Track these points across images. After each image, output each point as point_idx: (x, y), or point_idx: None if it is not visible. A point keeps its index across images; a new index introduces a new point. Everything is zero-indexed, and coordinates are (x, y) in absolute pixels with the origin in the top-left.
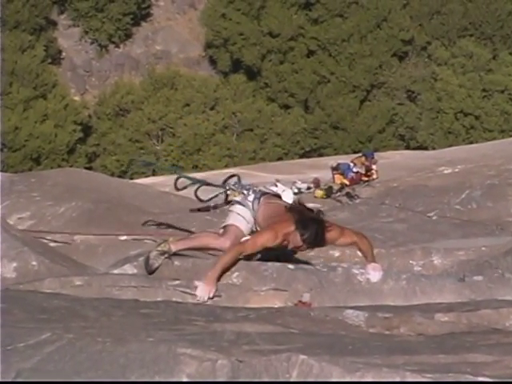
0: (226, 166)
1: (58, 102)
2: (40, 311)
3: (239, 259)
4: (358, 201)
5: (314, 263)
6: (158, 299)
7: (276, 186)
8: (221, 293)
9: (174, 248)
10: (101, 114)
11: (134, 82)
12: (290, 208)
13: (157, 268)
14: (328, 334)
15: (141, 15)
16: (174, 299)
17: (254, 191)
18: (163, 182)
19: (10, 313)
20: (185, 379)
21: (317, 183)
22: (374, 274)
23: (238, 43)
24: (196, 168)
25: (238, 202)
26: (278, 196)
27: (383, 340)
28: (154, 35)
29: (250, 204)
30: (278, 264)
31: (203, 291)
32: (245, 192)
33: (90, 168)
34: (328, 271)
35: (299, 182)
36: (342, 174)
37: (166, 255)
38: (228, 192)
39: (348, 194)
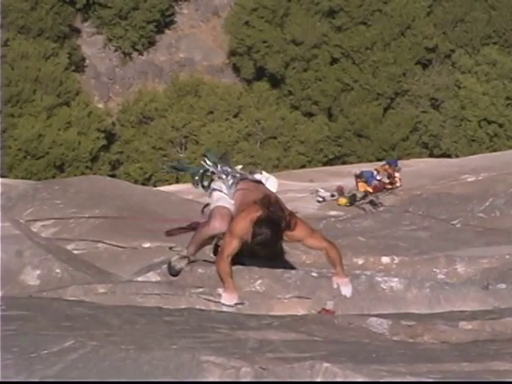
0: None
1: (81, 110)
2: (63, 319)
3: (234, 261)
4: (381, 208)
5: None
6: (182, 307)
7: (261, 173)
8: (244, 300)
9: (192, 251)
10: (124, 121)
11: (158, 90)
12: (262, 200)
13: (180, 269)
14: (352, 342)
15: (164, 23)
16: (197, 307)
17: (234, 176)
18: (187, 189)
19: (33, 320)
20: None
21: (340, 191)
22: (344, 289)
23: (262, 51)
24: None
25: (215, 189)
26: (260, 182)
27: (407, 348)
28: (178, 43)
29: (228, 189)
30: (301, 272)
31: (227, 298)
32: (223, 177)
33: (113, 175)
34: (352, 279)
35: (322, 191)
36: (365, 182)
37: (187, 260)
38: (207, 173)
39: (371, 202)
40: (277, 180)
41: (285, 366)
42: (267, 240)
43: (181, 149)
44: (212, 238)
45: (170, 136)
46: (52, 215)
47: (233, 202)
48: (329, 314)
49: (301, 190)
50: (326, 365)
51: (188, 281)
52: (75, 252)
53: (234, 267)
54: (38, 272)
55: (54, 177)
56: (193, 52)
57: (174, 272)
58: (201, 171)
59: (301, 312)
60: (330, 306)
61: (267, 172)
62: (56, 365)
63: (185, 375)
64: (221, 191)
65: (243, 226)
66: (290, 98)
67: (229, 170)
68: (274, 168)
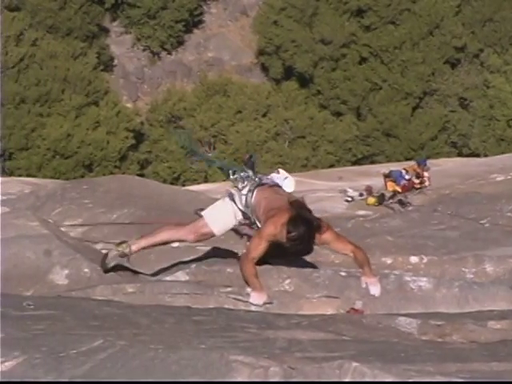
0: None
1: (110, 109)
2: (92, 318)
3: (258, 262)
4: (410, 208)
5: None
6: (210, 306)
7: (278, 172)
8: (273, 300)
9: (134, 248)
10: (153, 120)
11: (186, 89)
12: (290, 202)
13: (112, 268)
14: (380, 342)
15: (193, 22)
16: (226, 306)
17: (251, 183)
18: (216, 188)
19: (62, 320)
20: None
21: (369, 190)
22: (372, 288)
23: (290, 50)
24: None
25: (229, 196)
26: (277, 185)
27: (436, 347)
28: (206, 42)
29: (243, 198)
30: (330, 271)
31: (256, 298)
32: (240, 186)
33: (142, 175)
34: (380, 278)
35: (350, 191)
36: (394, 181)
37: (126, 258)
38: (231, 177)
39: (400, 201)
40: (293, 179)
41: (313, 365)
42: (302, 236)
43: (209, 148)
44: (172, 242)
45: (198, 135)
46: (80, 215)
47: (240, 213)
48: (357, 313)
49: (329, 190)
50: (354, 364)
51: (217, 280)
52: (104, 252)
53: (263, 267)
54: (67, 271)
55: (82, 176)
56: (221, 51)
57: (105, 269)
58: (231, 171)
59: (329, 311)
60: (358, 305)
61: (292, 172)
62: (85, 364)
63: (213, 375)
64: (233, 200)
65: (273, 230)
66: (318, 98)
67: (247, 175)
68: (303, 167)
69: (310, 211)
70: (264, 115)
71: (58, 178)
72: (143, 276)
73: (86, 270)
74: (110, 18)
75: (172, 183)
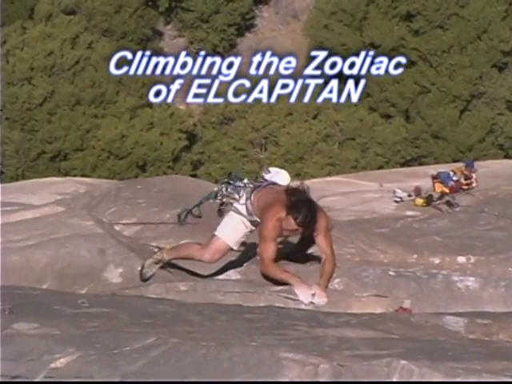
0: (329, 175)
1: (163, 111)
2: (145, 316)
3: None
4: (457, 209)
5: (414, 270)
6: (261, 304)
7: (269, 171)
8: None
9: (166, 257)
10: (205, 122)
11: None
12: (285, 190)
13: (150, 277)
14: (428, 340)
15: (245, 26)
16: (276, 304)
17: (246, 191)
18: None
19: (116, 317)
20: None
21: (417, 191)
22: (318, 300)
23: (341, 54)
24: (299, 176)
25: (233, 210)
26: (273, 183)
27: (482, 346)
28: (258, 45)
29: (244, 207)
30: (379, 271)
31: (302, 293)
32: (236, 196)
33: (194, 175)
34: (428, 278)
35: (399, 191)
36: (442, 183)
37: (161, 264)
38: (223, 199)
39: (448, 202)
40: (285, 172)
41: (362, 363)
42: (309, 213)
43: (260, 149)
44: (193, 259)
45: (250, 137)
46: (134, 214)
47: (248, 221)
48: (406, 312)
49: (378, 191)
50: (402, 362)
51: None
52: (155, 250)
53: (313, 266)
54: (121, 270)
55: (136, 176)
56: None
57: (143, 279)
58: (212, 195)
59: (378, 310)
60: (406, 304)
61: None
62: (138, 361)
63: (264, 372)
64: (237, 212)
65: (272, 226)
66: (368, 100)
67: (240, 184)
68: (352, 169)
69: (306, 193)
70: (314, 117)
71: (112, 178)
72: (196, 274)
73: (140, 268)
74: (164, 21)
75: None
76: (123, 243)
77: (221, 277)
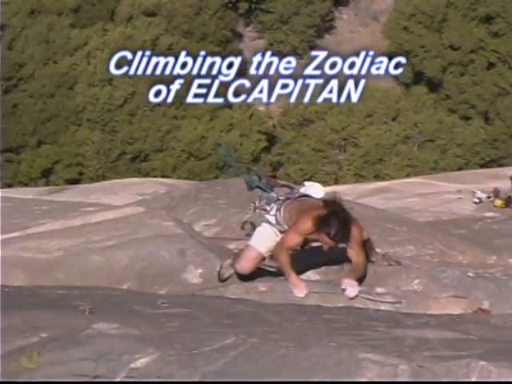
0: (408, 176)
1: (243, 112)
2: (225, 316)
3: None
4: None
5: (493, 271)
6: (340, 305)
7: (304, 185)
8: (402, 299)
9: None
10: (285, 123)
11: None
12: (323, 200)
13: (228, 277)
14: (507, 341)
15: (324, 27)
16: (355, 305)
17: (277, 203)
18: (345, 190)
19: (195, 317)
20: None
21: (496, 193)
22: (349, 289)
23: (420, 55)
24: (378, 177)
25: (263, 220)
26: (306, 196)
27: None
28: (338, 47)
29: (273, 218)
30: (457, 272)
31: (298, 291)
32: (268, 208)
33: (274, 176)
34: (507, 279)
35: (479, 192)
36: None
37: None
38: (256, 209)
39: None
40: (320, 186)
41: (441, 364)
42: (339, 228)
43: (340, 151)
44: None
45: (329, 138)
46: (214, 215)
47: (278, 232)
48: (485, 313)
49: (456, 192)
50: (481, 363)
51: None
52: (235, 251)
53: (392, 268)
54: (201, 271)
55: (216, 177)
56: None
57: (221, 279)
58: (251, 182)
59: (457, 311)
60: (485, 305)
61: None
62: (217, 361)
63: (343, 372)
64: (267, 222)
65: (310, 226)
66: (447, 102)
67: (272, 196)
68: (432, 170)
69: (342, 206)
70: (394, 119)
71: (192, 179)
72: (275, 275)
73: (218, 269)
74: (244, 23)
75: None
76: (203, 244)
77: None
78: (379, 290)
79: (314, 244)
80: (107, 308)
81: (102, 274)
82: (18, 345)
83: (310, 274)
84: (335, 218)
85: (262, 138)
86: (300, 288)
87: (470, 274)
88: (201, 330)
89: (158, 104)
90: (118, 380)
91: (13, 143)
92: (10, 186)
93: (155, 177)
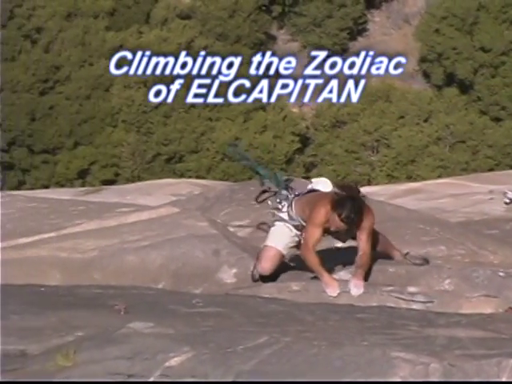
0: (439, 177)
1: (276, 114)
2: (258, 315)
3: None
4: None
5: None
6: (373, 304)
7: (311, 182)
8: (433, 299)
9: None
10: (318, 125)
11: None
12: (326, 194)
13: (259, 279)
14: None
15: (357, 30)
16: (388, 304)
17: (288, 200)
18: (378, 191)
19: (229, 317)
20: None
21: None
22: (353, 289)
23: (451, 58)
24: (410, 178)
25: (277, 220)
26: (315, 190)
27: None
28: (370, 50)
29: (286, 214)
30: (489, 272)
31: (331, 290)
32: (279, 206)
33: (307, 177)
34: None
35: (510, 193)
36: None
37: None
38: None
39: None
40: (328, 180)
41: (472, 362)
42: (352, 210)
43: (372, 152)
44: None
45: (362, 140)
46: (248, 215)
47: (293, 228)
48: None
49: (488, 193)
50: None
51: (379, 279)
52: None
53: (422, 268)
54: (235, 270)
55: (249, 178)
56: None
57: (254, 279)
58: (278, 184)
59: (488, 310)
60: None
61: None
62: (251, 360)
63: (375, 371)
64: (280, 219)
65: (324, 215)
66: (478, 104)
67: (283, 193)
68: (463, 171)
69: (355, 191)
70: (425, 120)
71: (226, 180)
72: (308, 274)
73: (252, 268)
74: (277, 26)
75: None
76: (237, 244)
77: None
78: (411, 289)
79: (340, 244)
80: (142, 307)
81: (137, 273)
82: (55, 344)
83: (342, 274)
84: (350, 201)
85: (296, 140)
86: (333, 287)
87: (501, 274)
88: (235, 329)
89: (193, 106)
90: (151, 380)
91: (49, 145)
92: (46, 187)
93: (190, 178)
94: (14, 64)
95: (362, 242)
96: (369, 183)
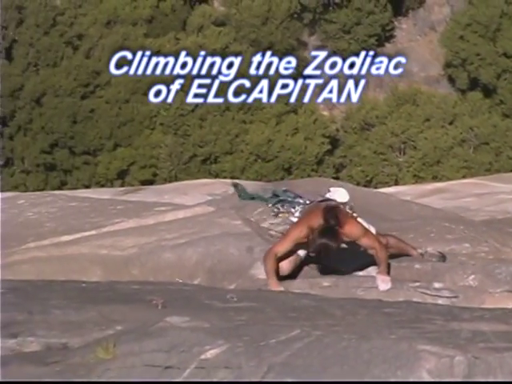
0: (464, 177)
1: (307, 117)
2: (290, 310)
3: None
4: None
5: None
6: (400, 299)
7: (329, 191)
8: (458, 294)
9: None
10: (347, 127)
11: (379, 99)
12: (316, 213)
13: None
14: None
15: (385, 37)
16: (414, 299)
17: (301, 206)
18: (405, 191)
19: (262, 311)
20: (424, 374)
21: None
22: (381, 284)
23: (475, 63)
24: (436, 178)
25: (288, 223)
26: (328, 199)
27: None
28: (397, 55)
29: (297, 219)
30: (511, 268)
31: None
32: (292, 210)
33: (337, 178)
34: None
35: None
36: None
37: None
38: (279, 215)
39: None
40: (345, 191)
41: (495, 355)
42: (320, 251)
43: (400, 153)
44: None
45: (389, 141)
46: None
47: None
48: None
49: (511, 192)
50: None
51: (406, 275)
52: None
53: (448, 264)
54: None
55: (282, 178)
56: (411, 64)
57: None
58: (270, 201)
59: (510, 305)
60: None
61: (476, 176)
62: (283, 353)
63: (402, 363)
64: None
65: (298, 233)
66: (501, 107)
67: (299, 201)
68: (486, 171)
69: (336, 216)
70: (450, 123)
71: (259, 180)
72: (338, 271)
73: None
74: (308, 32)
75: (365, 186)
76: (269, 242)
77: (361, 273)
78: (437, 285)
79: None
80: (179, 302)
81: (173, 270)
82: (95, 337)
83: (371, 270)
84: (323, 238)
85: (326, 142)
86: (276, 288)
87: None
88: (267, 323)
89: (228, 109)
90: (187, 372)
91: (90, 146)
92: (87, 187)
93: (225, 178)
94: (56, 70)
95: (367, 244)
96: (396, 183)
